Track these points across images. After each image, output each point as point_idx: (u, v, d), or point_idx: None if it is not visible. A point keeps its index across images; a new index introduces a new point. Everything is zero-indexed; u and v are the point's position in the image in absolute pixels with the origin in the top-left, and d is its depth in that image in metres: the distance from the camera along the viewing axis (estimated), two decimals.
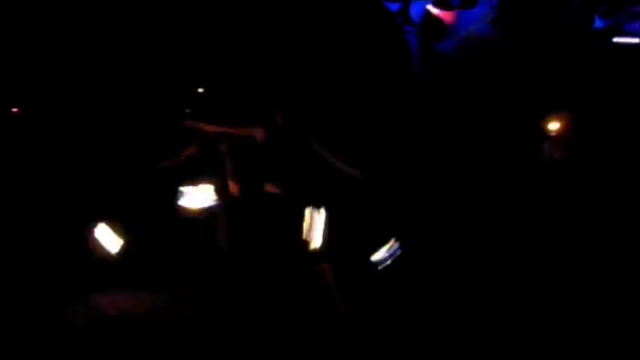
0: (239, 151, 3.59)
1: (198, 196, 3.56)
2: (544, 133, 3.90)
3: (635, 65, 4.05)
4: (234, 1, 3.70)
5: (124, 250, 3.52)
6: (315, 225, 3.49)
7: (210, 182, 3.57)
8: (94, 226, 3.53)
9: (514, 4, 4.24)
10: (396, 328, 3.23)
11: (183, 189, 3.54)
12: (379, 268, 3.47)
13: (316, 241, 3.45)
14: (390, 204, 3.70)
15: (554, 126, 3.90)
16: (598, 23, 4.19)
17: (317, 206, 3.47)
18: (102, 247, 3.53)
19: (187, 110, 3.63)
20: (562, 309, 3.26)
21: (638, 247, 3.44)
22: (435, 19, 4.34)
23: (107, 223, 3.53)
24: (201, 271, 3.49)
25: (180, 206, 3.54)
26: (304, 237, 3.47)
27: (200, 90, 3.71)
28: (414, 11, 4.41)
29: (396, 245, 3.49)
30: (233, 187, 3.55)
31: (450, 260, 3.56)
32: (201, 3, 3.78)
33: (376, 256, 3.48)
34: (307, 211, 3.45)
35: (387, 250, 3.48)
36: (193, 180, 3.57)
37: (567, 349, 3.08)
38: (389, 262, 3.46)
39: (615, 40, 4.15)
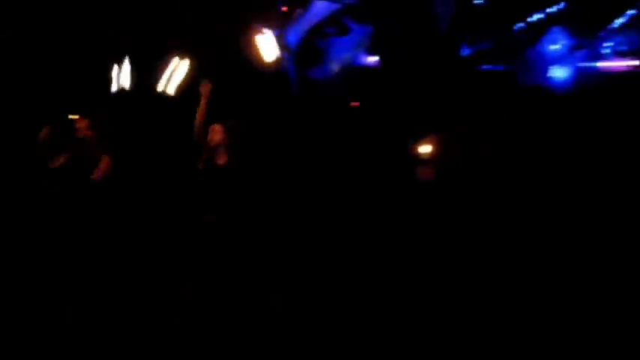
0: None
1: None
2: (416, 157, 3.99)
3: (500, 90, 4.25)
4: None
5: None
6: None
7: None
8: None
9: (387, 33, 4.37)
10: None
11: None
12: None
13: None
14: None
15: (425, 150, 4.00)
16: (465, 51, 4.37)
17: None
18: None
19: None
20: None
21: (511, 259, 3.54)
22: (311, 46, 4.40)
23: None
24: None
25: None
26: None
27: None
28: (290, 38, 4.46)
29: None
30: None
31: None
32: None
33: None
34: None
35: None
36: None
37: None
38: None
39: (481, 66, 4.36)
